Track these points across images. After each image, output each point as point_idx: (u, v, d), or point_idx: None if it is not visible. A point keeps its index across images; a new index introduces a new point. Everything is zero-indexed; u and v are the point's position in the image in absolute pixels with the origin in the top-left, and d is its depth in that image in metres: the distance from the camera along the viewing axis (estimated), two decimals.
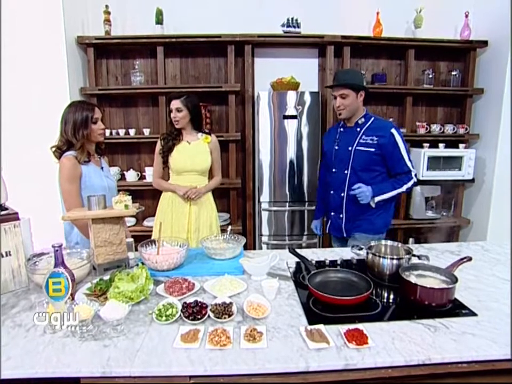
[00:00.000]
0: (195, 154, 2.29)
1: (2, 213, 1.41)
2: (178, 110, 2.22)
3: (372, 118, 2.07)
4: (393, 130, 1.98)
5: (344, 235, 2.16)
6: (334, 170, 2.14)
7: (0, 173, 1.47)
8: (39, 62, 2.83)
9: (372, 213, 2.07)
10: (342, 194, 2.10)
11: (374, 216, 2.08)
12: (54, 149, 1.80)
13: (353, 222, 2.11)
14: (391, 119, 3.42)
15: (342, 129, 2.15)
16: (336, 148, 2.12)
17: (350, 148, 2.04)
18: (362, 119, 2.06)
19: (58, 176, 1.77)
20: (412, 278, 1.36)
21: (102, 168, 1.93)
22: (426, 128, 3.37)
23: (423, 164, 3.23)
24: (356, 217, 2.10)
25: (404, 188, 2.00)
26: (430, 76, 3.33)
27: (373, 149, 1.99)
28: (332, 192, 2.17)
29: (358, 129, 2.05)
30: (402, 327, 1.15)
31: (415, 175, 2.02)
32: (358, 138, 2.03)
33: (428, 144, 3.31)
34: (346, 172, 2.07)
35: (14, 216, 1.42)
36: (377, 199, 1.98)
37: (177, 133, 2.29)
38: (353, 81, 2.00)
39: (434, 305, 1.24)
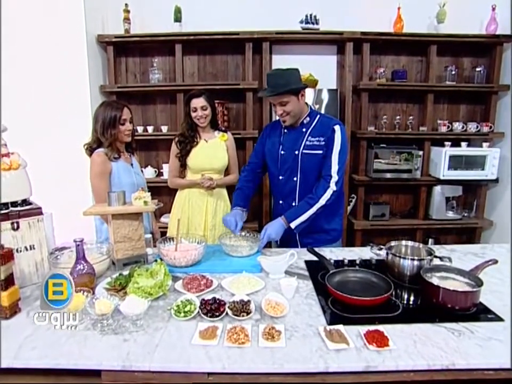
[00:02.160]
0: (213, 153, 2.28)
1: (27, 207, 1.44)
2: (203, 108, 2.19)
3: (318, 116, 1.87)
4: (336, 127, 1.79)
5: (299, 247, 1.92)
6: (280, 178, 1.92)
7: (24, 168, 1.50)
8: (61, 60, 2.89)
9: (327, 224, 1.90)
10: (293, 204, 1.89)
11: (327, 225, 1.92)
12: (85, 146, 1.87)
13: (308, 235, 1.89)
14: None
15: (285, 131, 1.90)
16: (282, 152, 1.89)
17: (296, 152, 1.84)
18: (308, 118, 1.85)
19: (89, 172, 1.83)
20: (434, 280, 1.33)
21: (132, 165, 1.97)
22: (448, 126, 3.27)
23: (444, 163, 3.15)
24: (310, 229, 1.85)
25: (323, 201, 1.75)
26: (453, 73, 3.22)
27: (320, 151, 1.80)
28: (280, 202, 1.96)
29: (304, 129, 1.85)
30: (424, 330, 1.12)
31: (335, 183, 1.77)
32: (304, 140, 1.83)
33: (449, 143, 3.22)
34: (295, 179, 1.87)
35: (38, 211, 1.45)
36: (294, 224, 1.76)
37: (193, 134, 2.27)
38: (290, 84, 1.72)
39: (457, 308, 1.21)
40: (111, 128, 1.81)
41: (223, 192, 2.39)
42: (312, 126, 1.85)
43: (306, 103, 1.87)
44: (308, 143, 1.83)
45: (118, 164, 1.86)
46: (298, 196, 1.89)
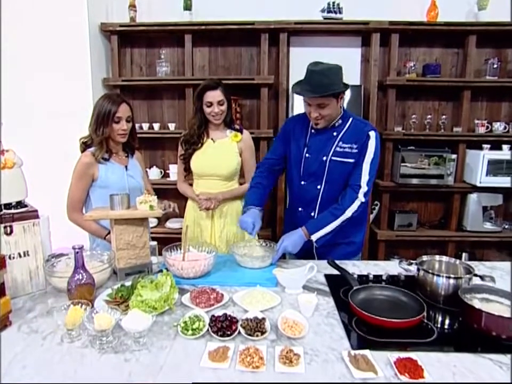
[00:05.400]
0: (219, 155, 2.13)
1: (22, 210, 1.44)
2: (220, 103, 2.04)
3: (351, 119, 1.81)
4: (371, 133, 1.75)
5: (316, 259, 1.89)
6: (302, 183, 1.87)
7: (20, 167, 1.50)
8: (61, 51, 2.92)
9: (348, 235, 1.86)
10: (312, 214, 1.86)
11: (348, 237, 1.88)
12: (81, 141, 1.87)
13: (326, 247, 1.83)
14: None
15: (313, 131, 1.84)
16: (307, 155, 1.84)
17: (324, 158, 1.79)
18: (340, 121, 1.80)
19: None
20: (475, 302, 1.27)
21: (126, 167, 1.93)
22: (487, 127, 3.21)
23: (482, 168, 3.08)
24: (329, 240, 1.79)
25: (349, 213, 1.72)
26: (495, 66, 3.14)
27: (351, 160, 1.76)
28: (299, 209, 1.92)
29: (335, 133, 1.80)
30: (465, 361, 1.07)
31: (364, 195, 1.73)
32: (334, 145, 1.78)
33: (488, 146, 3.14)
34: (319, 187, 1.83)
35: (34, 214, 1.45)
36: (316, 237, 1.73)
37: (198, 135, 2.13)
38: (334, 86, 1.65)
39: (504, 337, 1.15)
40: (104, 125, 1.77)
41: (235, 204, 2.21)
42: (344, 130, 1.80)
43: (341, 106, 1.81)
44: (338, 149, 1.78)
45: (107, 165, 1.84)
46: (320, 205, 1.85)
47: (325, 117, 1.73)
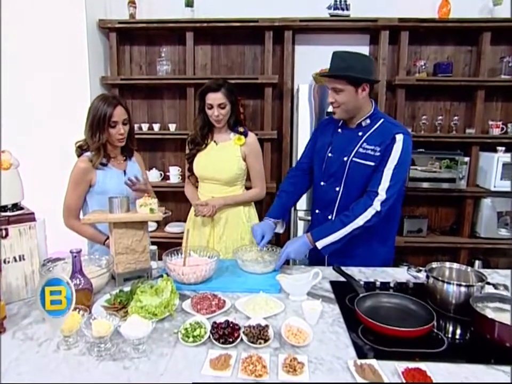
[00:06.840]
0: (220, 159, 2.13)
1: (18, 212, 1.46)
2: (221, 106, 2.02)
3: (381, 120, 1.76)
4: (398, 136, 1.68)
5: (325, 265, 1.87)
6: (322, 183, 1.87)
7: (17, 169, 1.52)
8: (58, 48, 2.96)
9: (365, 248, 1.82)
10: (330, 217, 1.84)
11: (367, 252, 1.83)
12: (76, 145, 1.88)
13: (340, 256, 1.79)
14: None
15: (340, 130, 1.86)
16: (330, 155, 1.83)
17: (345, 158, 1.77)
18: (368, 121, 1.77)
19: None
20: (488, 311, 1.28)
21: (124, 171, 1.95)
22: (502, 128, 3.20)
23: (496, 172, 3.07)
24: (344, 250, 1.77)
25: (361, 222, 1.66)
26: (510, 64, 3.14)
27: (372, 163, 1.71)
28: (316, 211, 1.93)
29: (360, 133, 1.77)
30: (477, 373, 1.07)
31: (381, 203, 1.66)
32: (358, 146, 1.75)
33: (503, 148, 3.13)
34: (338, 189, 1.81)
35: (30, 217, 1.46)
36: (321, 245, 1.70)
37: (201, 135, 2.14)
38: (351, 70, 1.64)
39: None
40: (100, 130, 1.77)
41: (234, 212, 2.19)
42: (370, 131, 1.76)
43: (372, 102, 1.80)
44: (361, 150, 1.75)
45: (104, 171, 1.85)
46: (337, 209, 1.83)
47: (341, 104, 1.72)
